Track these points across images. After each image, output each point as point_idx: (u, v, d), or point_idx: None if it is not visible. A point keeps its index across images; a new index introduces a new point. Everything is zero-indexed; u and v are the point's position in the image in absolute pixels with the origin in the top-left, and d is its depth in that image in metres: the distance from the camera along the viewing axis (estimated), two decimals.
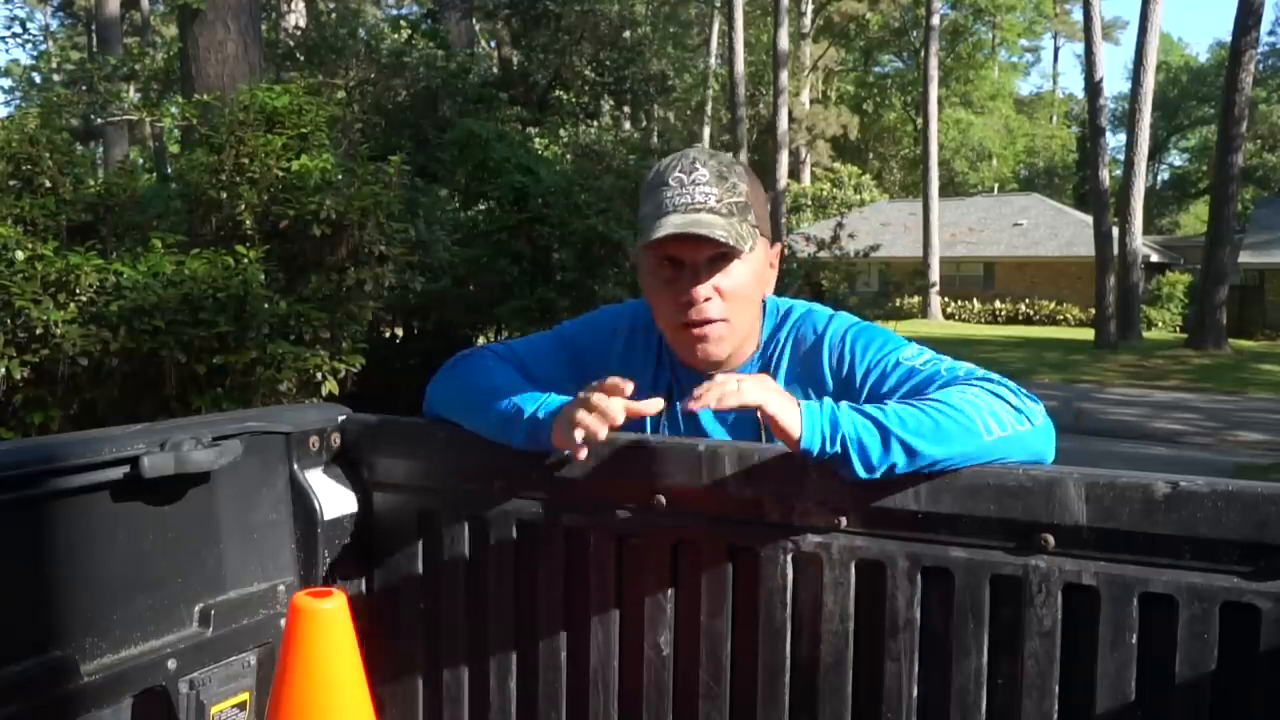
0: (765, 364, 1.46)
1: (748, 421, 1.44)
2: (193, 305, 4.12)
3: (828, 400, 1.21)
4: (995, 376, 1.28)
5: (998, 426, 1.19)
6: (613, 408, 1.24)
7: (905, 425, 1.16)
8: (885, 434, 1.16)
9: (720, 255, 1.36)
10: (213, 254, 4.40)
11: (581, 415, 1.25)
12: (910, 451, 1.15)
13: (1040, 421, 1.24)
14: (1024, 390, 1.27)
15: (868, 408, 1.20)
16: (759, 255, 1.41)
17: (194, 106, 6.18)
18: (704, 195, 1.36)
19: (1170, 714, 1.10)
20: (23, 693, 1.17)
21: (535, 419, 1.33)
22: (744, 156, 25.49)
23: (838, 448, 1.16)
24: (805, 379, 1.43)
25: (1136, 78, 21.88)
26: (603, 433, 1.25)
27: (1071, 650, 1.14)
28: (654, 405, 1.31)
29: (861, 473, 1.16)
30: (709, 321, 1.37)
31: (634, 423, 1.49)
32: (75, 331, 3.93)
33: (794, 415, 1.17)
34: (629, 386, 1.25)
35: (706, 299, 1.36)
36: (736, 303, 1.39)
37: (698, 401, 1.17)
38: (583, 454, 1.30)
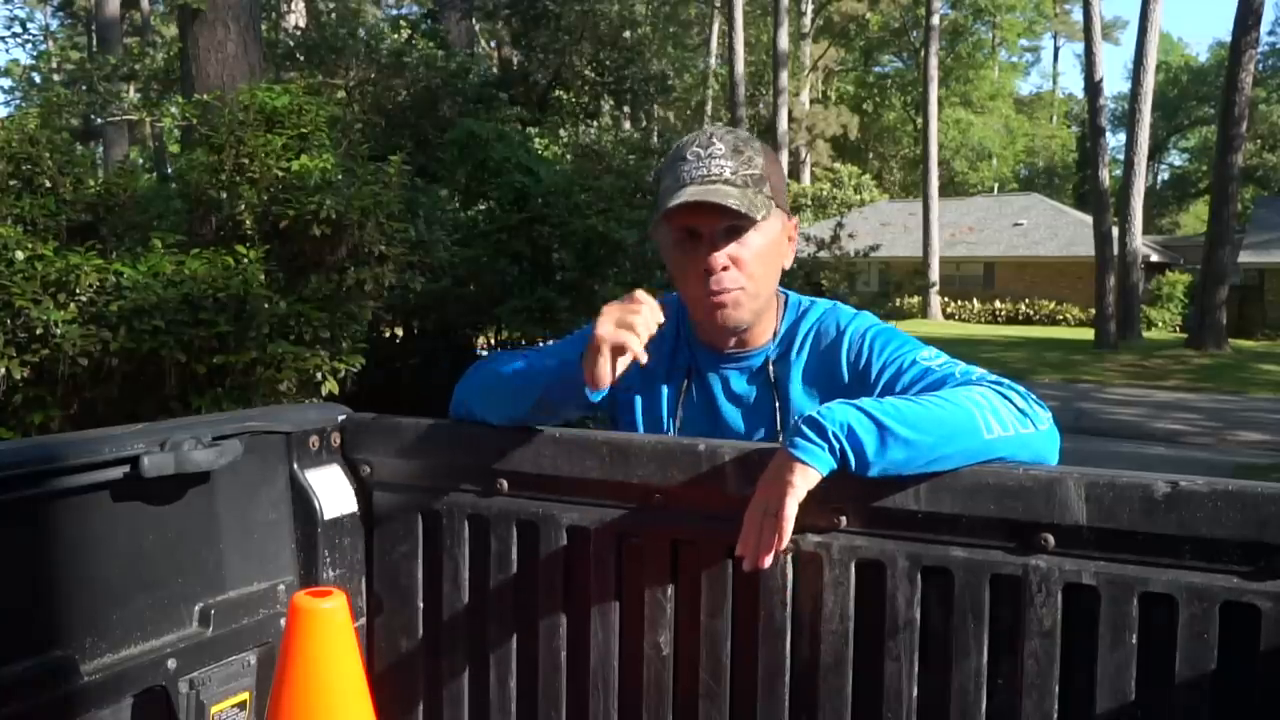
0: (784, 353, 1.49)
1: (765, 403, 1.46)
2: (193, 305, 4.12)
3: (809, 415, 1.19)
4: (1007, 381, 1.29)
5: (999, 426, 1.20)
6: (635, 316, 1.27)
7: (902, 418, 1.17)
8: (881, 429, 1.16)
9: (735, 226, 1.40)
10: (213, 254, 4.40)
11: (620, 333, 1.27)
12: (906, 444, 1.15)
13: (1045, 427, 1.24)
14: (1034, 396, 1.28)
15: (865, 402, 1.20)
16: (775, 226, 1.45)
17: (194, 106, 6.17)
18: (720, 167, 1.40)
19: (1170, 714, 1.10)
20: (23, 693, 1.17)
21: (567, 362, 1.35)
22: None
23: (837, 456, 1.16)
24: (821, 373, 1.46)
25: (1136, 78, 21.88)
26: (633, 341, 1.26)
27: (1071, 650, 1.14)
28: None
29: (854, 468, 1.16)
30: (728, 290, 1.41)
31: (654, 403, 1.51)
32: (75, 331, 3.93)
33: (804, 474, 1.16)
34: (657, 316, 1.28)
35: (724, 267, 1.40)
36: (753, 271, 1.42)
37: (767, 558, 1.19)
38: (608, 375, 1.28)
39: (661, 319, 1.30)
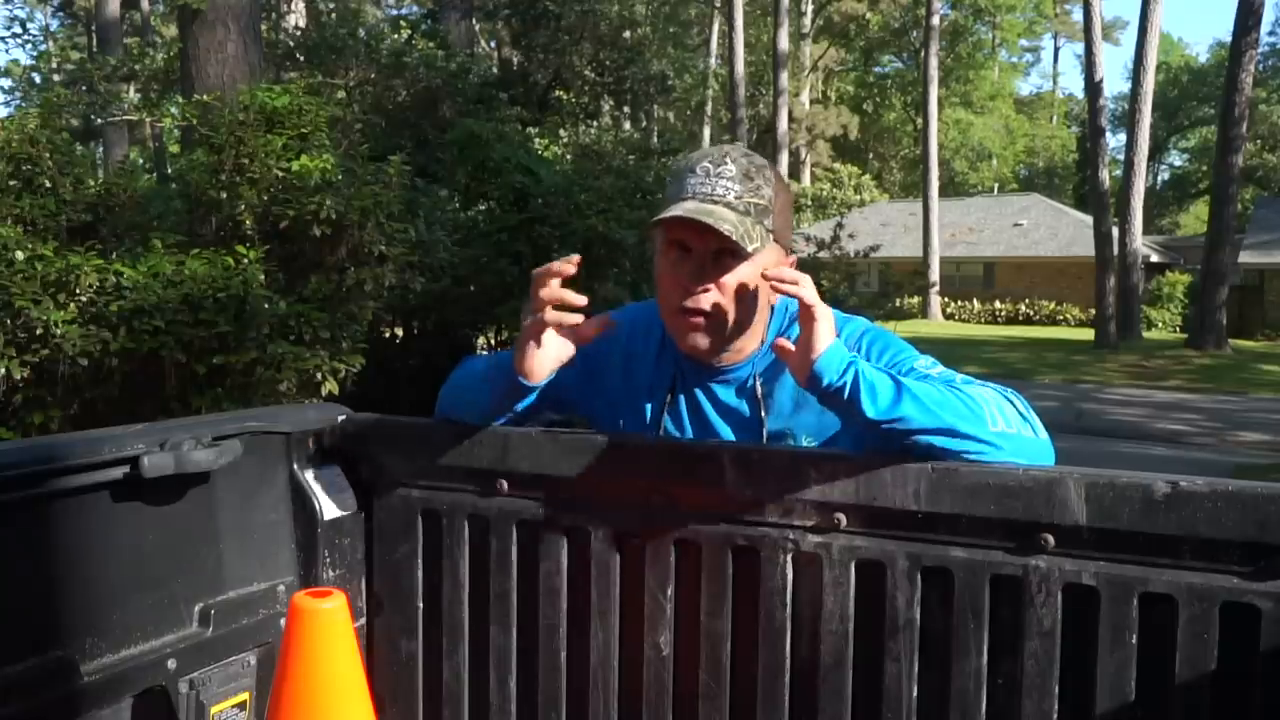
0: (774, 361, 1.47)
1: (753, 417, 1.45)
2: (193, 305, 4.12)
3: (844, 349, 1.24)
4: (1008, 390, 1.31)
5: (1004, 422, 1.21)
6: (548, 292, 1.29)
7: (918, 387, 1.20)
8: (899, 386, 1.19)
9: (728, 251, 1.37)
10: (213, 254, 4.40)
11: (532, 317, 1.30)
12: (919, 409, 1.18)
13: (1044, 436, 1.26)
14: (1032, 406, 1.29)
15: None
16: (768, 259, 1.41)
17: (194, 107, 6.17)
18: (725, 189, 1.38)
19: (1170, 714, 1.10)
20: (23, 693, 1.17)
21: (499, 364, 1.38)
22: None
23: (848, 379, 1.19)
24: None
25: (1136, 78, 21.88)
26: (551, 313, 1.29)
27: (1071, 650, 1.14)
28: (605, 320, 1.36)
29: (871, 411, 1.18)
30: (701, 312, 1.39)
31: (638, 413, 1.50)
32: (75, 331, 3.93)
33: (826, 337, 1.21)
34: (569, 268, 1.29)
35: (704, 290, 1.38)
36: (734, 301, 1.39)
37: (788, 278, 1.23)
38: (540, 362, 1.33)
39: (570, 270, 1.30)
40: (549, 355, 1.33)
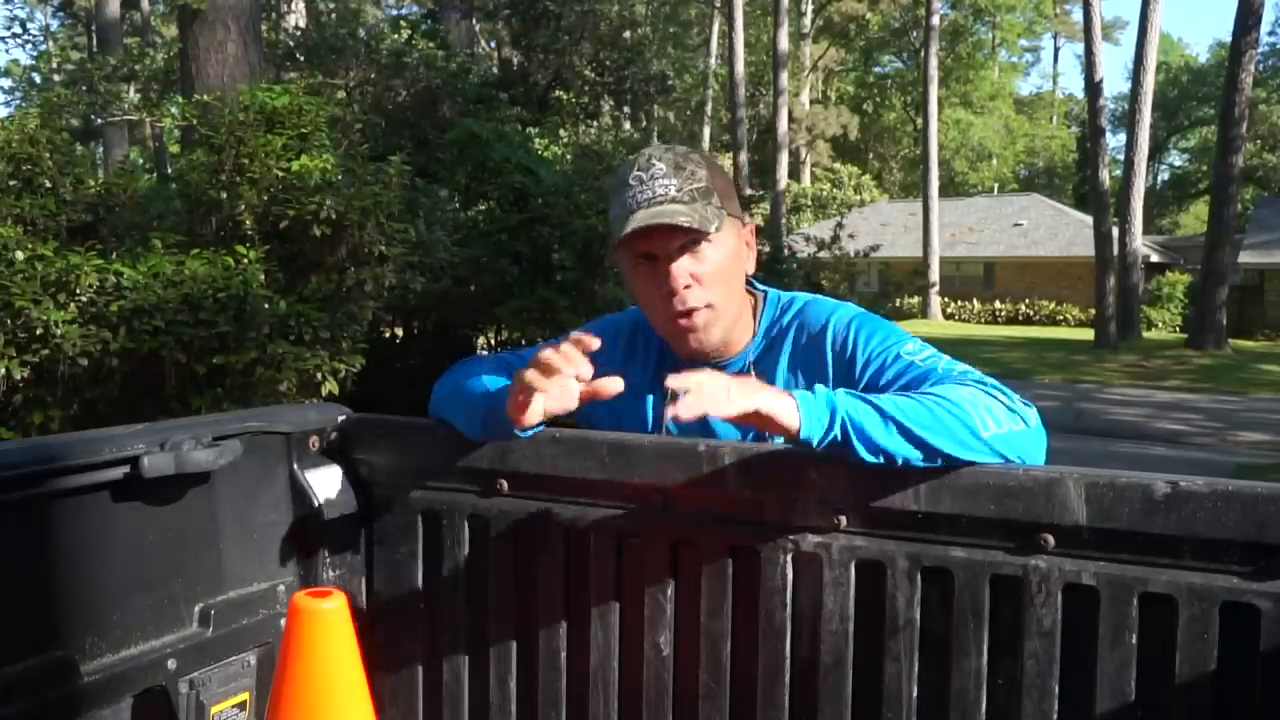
0: (767, 349, 1.48)
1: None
2: (193, 305, 4.12)
3: (821, 387, 1.21)
4: (990, 379, 1.29)
5: (994, 424, 1.20)
6: (559, 360, 1.24)
7: (903, 413, 1.17)
8: (885, 419, 1.16)
9: (690, 241, 1.39)
10: (213, 254, 4.40)
11: (529, 373, 1.26)
12: (910, 439, 1.15)
13: (1034, 425, 1.25)
14: (1018, 395, 1.28)
15: (867, 395, 1.21)
16: (730, 236, 1.43)
17: (194, 107, 6.17)
18: (664, 187, 1.39)
19: (1170, 714, 1.10)
20: (23, 693, 1.17)
21: (495, 399, 1.35)
22: (744, 157, 25.52)
23: (837, 433, 1.16)
24: (806, 365, 1.45)
25: (1136, 78, 21.89)
26: (543, 384, 1.25)
27: (1071, 650, 1.14)
28: (615, 384, 1.29)
29: (865, 455, 1.16)
30: (694, 310, 1.40)
31: (639, 415, 1.50)
32: (75, 331, 3.93)
33: (790, 409, 1.16)
34: (593, 343, 1.25)
35: (686, 286, 1.39)
36: (715, 285, 1.41)
37: (688, 410, 1.12)
38: (531, 415, 1.29)
39: (595, 344, 1.25)
40: (543, 408, 1.31)
